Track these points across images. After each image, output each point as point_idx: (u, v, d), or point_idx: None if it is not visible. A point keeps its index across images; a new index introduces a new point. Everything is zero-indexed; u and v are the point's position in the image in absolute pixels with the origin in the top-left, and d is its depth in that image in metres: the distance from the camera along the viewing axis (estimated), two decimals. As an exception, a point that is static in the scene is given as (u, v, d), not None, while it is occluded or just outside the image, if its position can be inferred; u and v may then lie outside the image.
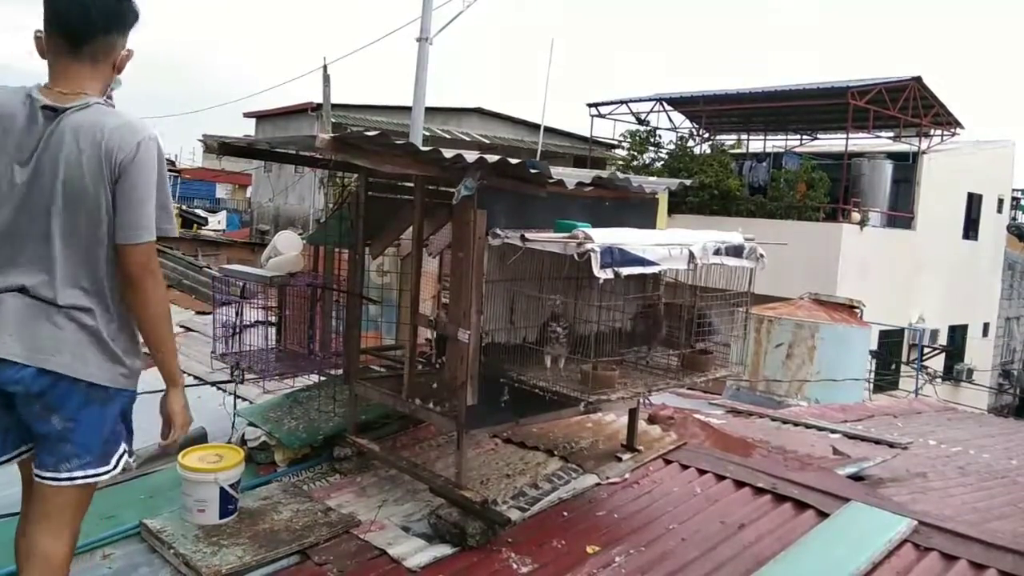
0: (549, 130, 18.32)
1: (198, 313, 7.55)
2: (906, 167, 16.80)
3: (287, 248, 4.65)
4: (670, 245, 2.92)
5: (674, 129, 20.06)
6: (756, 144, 20.46)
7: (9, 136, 2.03)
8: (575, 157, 21.17)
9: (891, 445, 5.15)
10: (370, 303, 3.99)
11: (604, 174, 3.36)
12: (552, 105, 17.58)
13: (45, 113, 2.03)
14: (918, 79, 15.56)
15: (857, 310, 10.70)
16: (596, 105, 19.43)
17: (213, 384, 4.80)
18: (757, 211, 16.65)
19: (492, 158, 2.85)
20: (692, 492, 3.45)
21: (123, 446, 2.22)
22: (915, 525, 3.02)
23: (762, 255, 3.30)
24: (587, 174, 3.38)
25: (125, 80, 2.24)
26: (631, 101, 19.10)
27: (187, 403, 2.30)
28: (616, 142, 20.76)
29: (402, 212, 3.60)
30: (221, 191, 37.20)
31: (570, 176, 3.18)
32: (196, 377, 5.25)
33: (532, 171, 2.95)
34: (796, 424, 5.75)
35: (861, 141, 17.21)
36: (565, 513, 3.25)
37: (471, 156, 2.84)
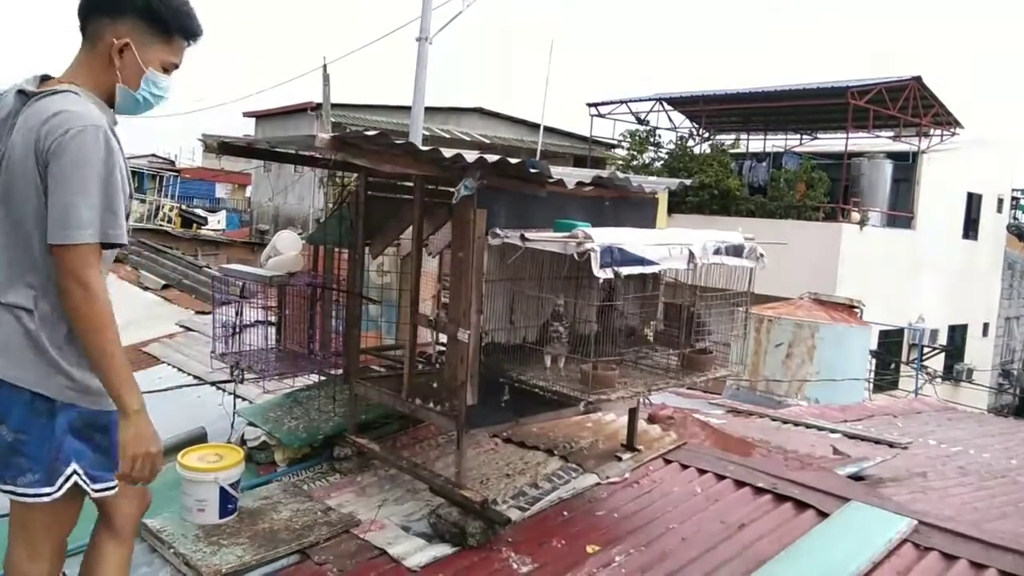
0: (549, 130, 18.31)
1: (198, 313, 7.55)
2: (906, 167, 16.80)
3: (287, 248, 4.64)
4: (670, 245, 2.92)
5: (674, 129, 20.08)
6: (756, 144, 20.45)
7: None
8: (575, 157, 21.19)
9: (891, 445, 5.15)
10: (370, 303, 3.99)
11: (604, 174, 3.35)
12: (552, 105, 17.54)
13: (19, 99, 1.95)
14: (918, 79, 15.57)
15: (857, 310, 10.71)
16: (596, 105, 19.44)
17: (213, 384, 4.80)
18: (757, 211, 16.68)
19: (492, 158, 2.84)
20: (692, 492, 3.45)
21: (73, 466, 1.94)
22: (915, 525, 3.02)
23: (762, 255, 3.30)
24: (587, 174, 3.37)
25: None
26: (631, 101, 19.12)
27: (145, 432, 1.92)
28: (616, 142, 20.77)
29: (402, 212, 3.60)
30: (221, 191, 37.13)
31: (570, 176, 3.17)
32: (196, 377, 5.25)
33: (532, 171, 2.94)
34: (796, 424, 5.75)
35: (861, 141, 17.19)
36: (565, 513, 3.25)
37: (471, 156, 2.84)
